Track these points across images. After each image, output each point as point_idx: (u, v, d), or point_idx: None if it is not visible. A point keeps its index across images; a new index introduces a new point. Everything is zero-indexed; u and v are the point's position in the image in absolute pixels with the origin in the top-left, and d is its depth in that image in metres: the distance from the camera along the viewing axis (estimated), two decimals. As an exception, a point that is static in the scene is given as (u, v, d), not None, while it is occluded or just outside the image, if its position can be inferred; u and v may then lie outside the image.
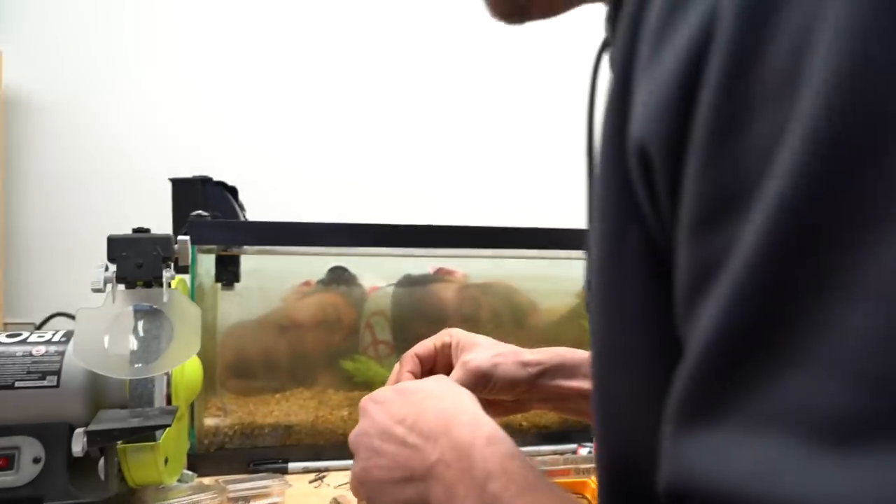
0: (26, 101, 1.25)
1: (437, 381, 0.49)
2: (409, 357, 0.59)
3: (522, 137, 1.64)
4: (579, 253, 1.23)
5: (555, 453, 1.02)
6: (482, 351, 0.57)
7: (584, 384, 0.57)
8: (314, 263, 1.19)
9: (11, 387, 0.70)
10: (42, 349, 0.73)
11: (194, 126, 1.34)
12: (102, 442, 0.66)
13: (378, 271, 1.26)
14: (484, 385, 0.56)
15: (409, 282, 1.26)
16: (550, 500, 0.34)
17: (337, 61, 1.47)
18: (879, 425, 0.18)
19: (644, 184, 0.26)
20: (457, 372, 0.56)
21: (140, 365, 0.64)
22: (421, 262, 1.26)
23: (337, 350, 1.19)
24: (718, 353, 0.22)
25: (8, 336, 0.74)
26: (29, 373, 0.71)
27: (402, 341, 1.22)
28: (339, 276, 1.24)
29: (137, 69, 1.33)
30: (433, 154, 1.54)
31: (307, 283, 1.24)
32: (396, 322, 1.24)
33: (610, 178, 0.29)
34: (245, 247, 0.96)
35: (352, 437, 0.46)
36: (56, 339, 0.75)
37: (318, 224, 0.96)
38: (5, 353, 0.72)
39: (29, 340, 0.74)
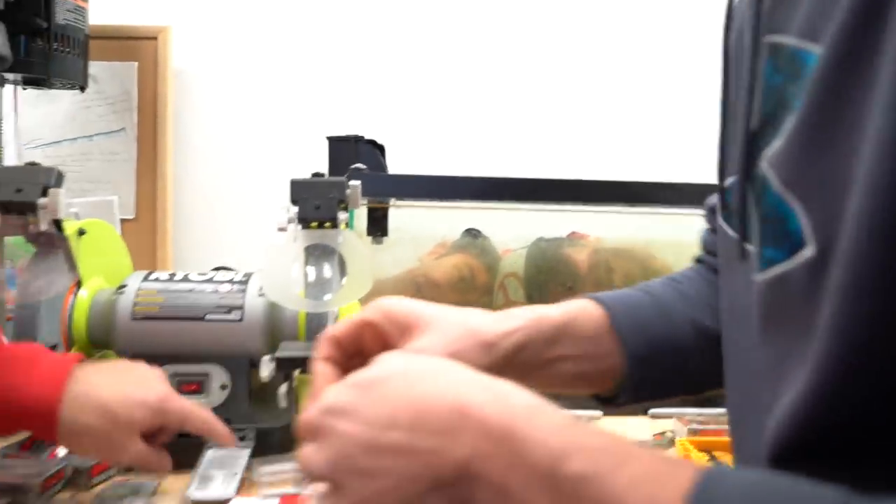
0: (192, 74, 1.37)
1: (402, 357, 0.37)
2: (324, 341, 0.44)
3: (668, 84, 1.58)
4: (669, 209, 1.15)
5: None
6: (432, 335, 0.43)
7: (569, 350, 0.48)
8: (452, 222, 1.22)
9: (202, 319, 0.78)
10: (227, 287, 0.80)
11: (346, 87, 1.40)
12: (287, 368, 0.71)
13: (512, 233, 1.27)
14: None
15: (541, 244, 1.27)
16: (666, 467, 0.28)
17: (479, 21, 1.48)
18: None
19: None
20: None
21: (324, 297, 0.69)
22: (555, 224, 1.26)
23: (472, 307, 1.22)
24: None
25: (199, 274, 0.82)
26: (217, 307, 0.78)
27: (535, 302, 1.23)
28: (473, 238, 1.27)
29: (295, 37, 1.41)
30: (575, 110, 1.52)
31: (443, 245, 1.28)
32: (529, 284, 1.25)
33: None
34: (394, 200, 1.00)
35: (322, 469, 0.33)
36: (238, 279, 0.82)
37: (460, 178, 0.98)
38: (196, 289, 0.80)
39: (215, 279, 0.81)
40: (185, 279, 0.82)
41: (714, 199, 0.58)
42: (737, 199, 0.38)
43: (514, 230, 1.27)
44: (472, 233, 1.26)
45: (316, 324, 0.75)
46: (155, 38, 1.29)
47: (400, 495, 0.31)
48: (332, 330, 0.45)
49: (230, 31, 1.38)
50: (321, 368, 0.43)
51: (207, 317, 0.78)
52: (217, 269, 1.23)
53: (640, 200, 1.06)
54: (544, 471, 0.28)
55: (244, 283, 0.81)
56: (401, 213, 1.09)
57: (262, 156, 1.36)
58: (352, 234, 0.74)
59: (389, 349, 0.42)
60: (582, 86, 1.52)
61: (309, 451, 0.34)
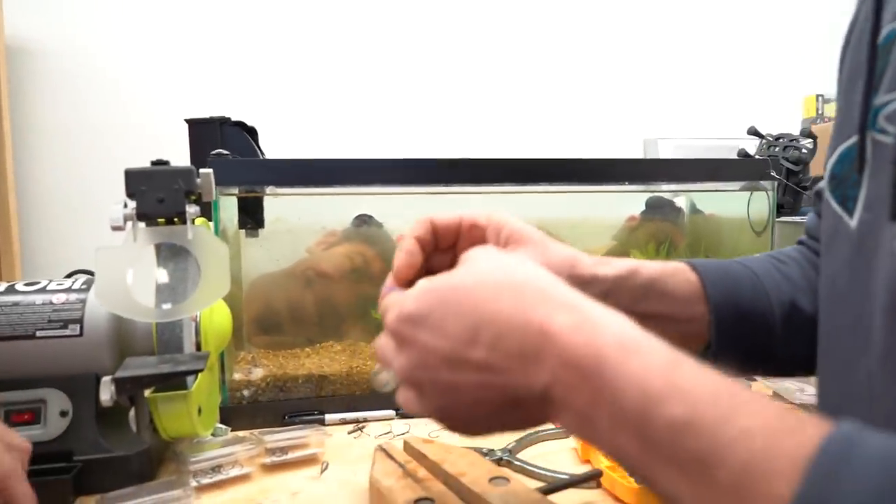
0: (30, 49, 1.19)
1: (489, 261, 0.34)
2: (423, 222, 0.44)
3: (551, 65, 1.55)
4: (617, 186, 1.15)
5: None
6: (534, 251, 0.43)
7: (657, 307, 0.46)
8: (340, 210, 1.13)
9: (32, 336, 0.66)
10: (63, 297, 0.69)
11: (209, 65, 1.27)
12: (132, 389, 0.61)
13: (405, 217, 1.20)
14: None
15: (438, 228, 1.21)
16: (786, 423, 0.23)
17: None
18: None
19: None
20: None
21: (167, 306, 0.59)
22: (450, 206, 1.20)
23: (367, 300, 1.14)
24: None
25: (26, 284, 0.70)
26: (50, 322, 0.67)
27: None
28: (365, 225, 1.19)
29: (148, 9, 1.26)
30: (460, 87, 1.46)
31: (332, 234, 1.19)
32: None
33: None
34: (269, 188, 0.90)
35: (403, 375, 0.34)
36: (76, 286, 0.70)
37: (345, 160, 0.90)
38: (24, 301, 0.68)
39: (48, 288, 0.70)
40: (11, 290, 0.69)
41: (822, 184, 0.56)
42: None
43: (408, 214, 1.20)
44: (363, 219, 1.19)
45: (169, 335, 0.66)
46: (-22, 9, 1.11)
47: (478, 408, 0.32)
48: (433, 215, 0.45)
49: (73, 1, 1.21)
50: (409, 246, 0.43)
51: (38, 333, 0.67)
52: (74, 273, 1.09)
53: (535, 179, 1.02)
54: (635, 413, 0.26)
55: (84, 290, 0.70)
56: (280, 202, 0.99)
57: (121, 142, 1.22)
58: (204, 229, 0.65)
59: None
60: (469, 62, 1.48)
61: (390, 351, 0.35)
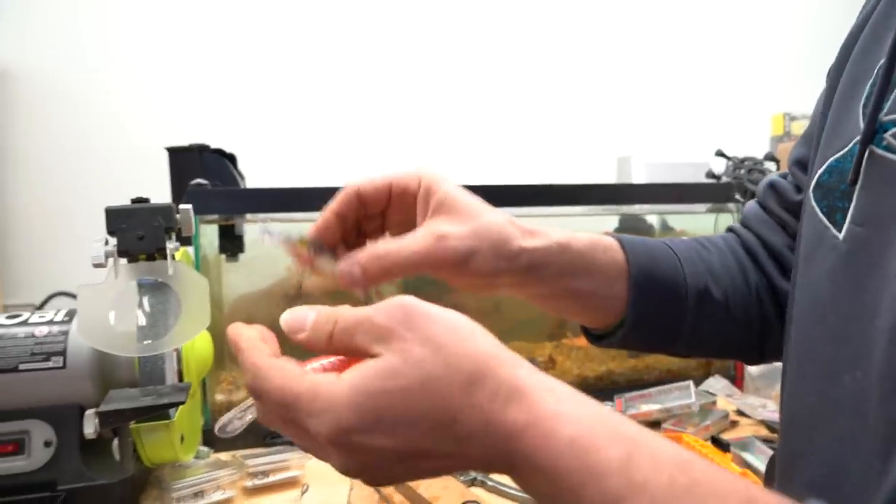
0: (15, 74, 1.20)
1: (423, 346, 0.30)
2: (348, 194, 0.43)
3: (528, 87, 1.58)
4: (579, 209, 1.18)
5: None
6: (462, 223, 0.42)
7: (582, 284, 0.47)
8: (319, 231, 1.15)
9: (15, 370, 0.68)
10: (45, 329, 0.70)
11: (190, 93, 1.28)
12: (115, 423, 0.63)
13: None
14: (454, 269, 0.42)
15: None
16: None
17: (333, 19, 1.40)
18: None
19: None
20: (424, 240, 0.41)
21: (148, 342, 0.61)
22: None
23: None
24: None
25: (8, 318, 0.71)
26: (33, 354, 0.68)
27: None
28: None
29: (128, 36, 1.27)
30: (435, 115, 1.49)
31: (313, 252, 1.21)
32: (405, 288, 1.21)
33: None
34: (248, 215, 0.92)
35: (349, 474, 0.32)
36: (58, 318, 0.72)
37: (322, 189, 0.92)
38: (6, 335, 0.69)
39: (30, 321, 0.71)
40: (-7, 323, 0.71)
41: (774, 174, 0.58)
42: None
43: (387, 234, 1.22)
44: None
45: (151, 366, 0.68)
46: (-42, 34, 1.12)
47: (435, 475, 0.32)
48: (358, 183, 0.43)
49: (59, 28, 1.22)
50: (326, 220, 0.43)
51: (21, 367, 0.68)
52: (54, 295, 1.10)
53: (515, 202, 1.05)
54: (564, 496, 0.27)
55: (67, 322, 0.71)
56: (261, 225, 1.01)
57: (99, 163, 1.23)
58: (184, 264, 0.67)
59: (410, 221, 0.44)
60: (446, 86, 1.50)
61: (319, 452, 0.32)
